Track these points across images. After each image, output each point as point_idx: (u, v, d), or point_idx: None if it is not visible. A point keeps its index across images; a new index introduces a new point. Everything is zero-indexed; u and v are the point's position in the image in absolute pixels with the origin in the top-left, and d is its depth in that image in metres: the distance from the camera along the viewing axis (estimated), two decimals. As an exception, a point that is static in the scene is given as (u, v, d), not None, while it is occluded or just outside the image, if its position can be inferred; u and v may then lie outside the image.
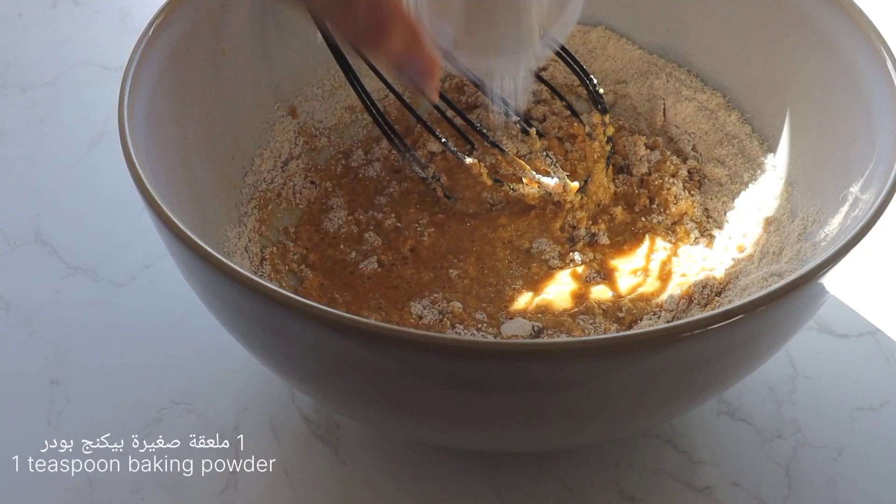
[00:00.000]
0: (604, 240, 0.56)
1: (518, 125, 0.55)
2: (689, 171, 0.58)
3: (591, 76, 0.57)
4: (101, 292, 0.57)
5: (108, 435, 0.50)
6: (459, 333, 0.51)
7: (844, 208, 0.46)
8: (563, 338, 0.50)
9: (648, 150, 0.59)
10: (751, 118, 0.57)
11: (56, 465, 0.49)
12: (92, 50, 0.74)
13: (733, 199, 0.56)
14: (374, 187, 0.59)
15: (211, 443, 0.50)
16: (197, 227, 0.42)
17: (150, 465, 0.49)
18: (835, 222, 0.46)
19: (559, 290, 0.53)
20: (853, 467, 0.49)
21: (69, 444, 0.50)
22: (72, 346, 0.54)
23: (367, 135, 0.62)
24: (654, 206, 0.58)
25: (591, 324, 0.51)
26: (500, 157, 0.57)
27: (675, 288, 0.53)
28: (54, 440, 0.50)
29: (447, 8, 0.45)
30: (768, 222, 0.53)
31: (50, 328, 0.55)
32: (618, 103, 0.62)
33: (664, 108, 0.60)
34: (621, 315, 0.52)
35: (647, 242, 0.56)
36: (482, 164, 0.56)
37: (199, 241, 0.39)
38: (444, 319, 0.52)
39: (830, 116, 0.50)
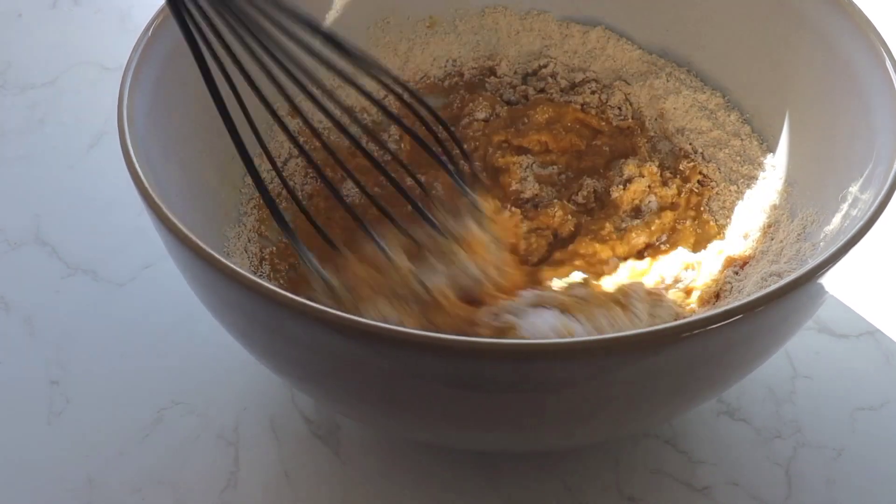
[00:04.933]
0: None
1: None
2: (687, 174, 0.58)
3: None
4: (101, 292, 0.57)
5: (109, 435, 0.50)
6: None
7: (844, 208, 0.46)
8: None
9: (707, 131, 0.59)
10: (750, 118, 0.57)
11: (56, 465, 0.49)
12: (92, 50, 0.74)
13: (733, 199, 0.56)
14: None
15: (211, 443, 0.50)
16: (196, 228, 0.42)
17: (150, 465, 0.49)
18: (834, 222, 0.46)
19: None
20: (853, 467, 0.49)
21: (69, 444, 0.50)
22: (72, 346, 0.54)
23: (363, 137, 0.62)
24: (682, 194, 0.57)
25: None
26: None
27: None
28: (54, 440, 0.50)
29: None
30: (768, 222, 0.53)
31: (50, 328, 0.55)
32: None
33: (663, 108, 0.60)
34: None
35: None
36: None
37: (198, 242, 0.39)
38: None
39: (830, 116, 0.50)
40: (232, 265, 0.38)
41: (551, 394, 0.39)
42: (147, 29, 0.48)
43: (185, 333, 0.55)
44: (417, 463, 0.49)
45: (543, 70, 0.62)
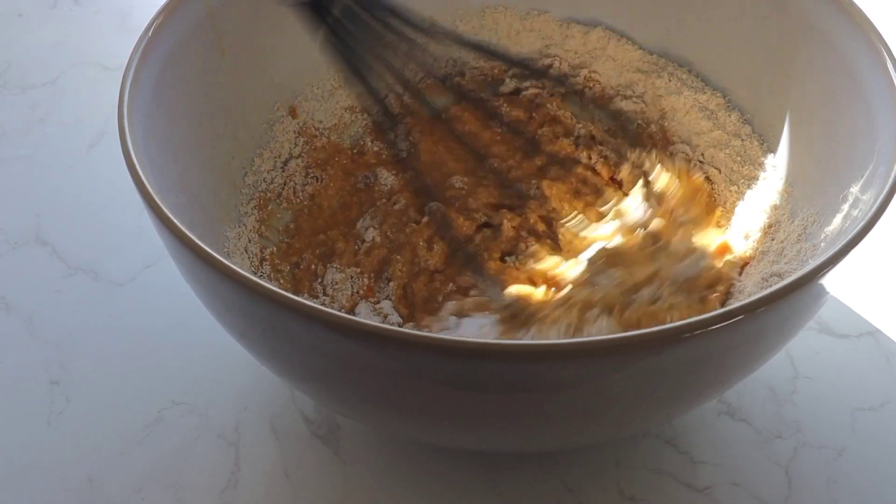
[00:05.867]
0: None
1: None
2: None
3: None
4: (101, 292, 0.57)
5: (109, 435, 0.50)
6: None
7: (845, 209, 0.46)
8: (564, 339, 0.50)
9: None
10: (751, 118, 0.57)
11: (56, 465, 0.49)
12: (92, 50, 0.74)
13: (733, 199, 0.56)
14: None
15: (211, 443, 0.50)
16: (196, 228, 0.42)
17: (150, 465, 0.49)
18: (835, 223, 0.46)
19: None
20: (853, 467, 0.49)
21: (69, 444, 0.50)
22: (72, 346, 0.54)
23: (368, 135, 0.62)
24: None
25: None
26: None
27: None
28: (54, 440, 0.50)
29: None
30: (768, 223, 0.53)
31: (50, 328, 0.55)
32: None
33: (664, 109, 0.60)
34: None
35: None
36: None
37: (198, 242, 0.39)
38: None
39: (830, 116, 0.50)
40: (232, 265, 0.38)
41: (552, 394, 0.39)
42: (147, 29, 0.48)
43: (185, 333, 0.55)
44: (417, 463, 0.49)
45: (551, 70, 0.62)
